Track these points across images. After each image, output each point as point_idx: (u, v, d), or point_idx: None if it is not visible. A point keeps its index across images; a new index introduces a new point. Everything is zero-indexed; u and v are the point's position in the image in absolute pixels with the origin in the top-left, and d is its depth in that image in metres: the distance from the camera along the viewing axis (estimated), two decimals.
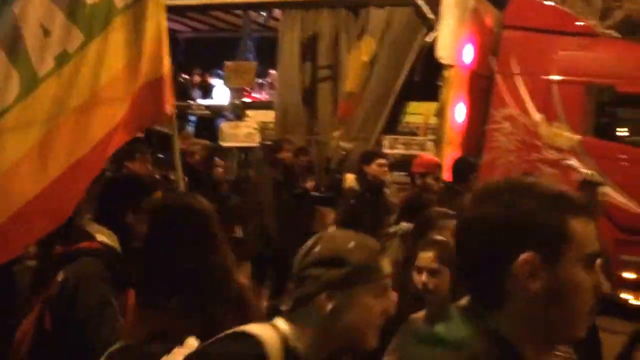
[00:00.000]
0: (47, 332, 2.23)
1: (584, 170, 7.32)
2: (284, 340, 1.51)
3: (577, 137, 7.47)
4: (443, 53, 7.49)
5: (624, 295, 6.72)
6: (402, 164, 7.09)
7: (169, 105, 3.06)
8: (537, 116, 7.66)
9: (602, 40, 8.04)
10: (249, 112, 9.24)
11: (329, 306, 1.52)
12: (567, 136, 7.49)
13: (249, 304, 2.00)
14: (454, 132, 7.72)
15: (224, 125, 9.06)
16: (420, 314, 2.62)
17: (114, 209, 2.41)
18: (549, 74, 7.73)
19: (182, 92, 10.19)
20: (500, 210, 1.13)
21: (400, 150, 7.96)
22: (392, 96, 8.08)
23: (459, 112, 7.68)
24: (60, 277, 2.27)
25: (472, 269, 1.19)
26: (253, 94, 10.47)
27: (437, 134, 7.78)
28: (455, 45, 7.54)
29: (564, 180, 7.20)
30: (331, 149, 8.36)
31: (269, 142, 7.89)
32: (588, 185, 5.52)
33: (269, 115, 9.13)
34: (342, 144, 8.22)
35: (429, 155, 6.89)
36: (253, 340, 1.48)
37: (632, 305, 6.63)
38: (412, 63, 7.93)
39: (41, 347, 2.24)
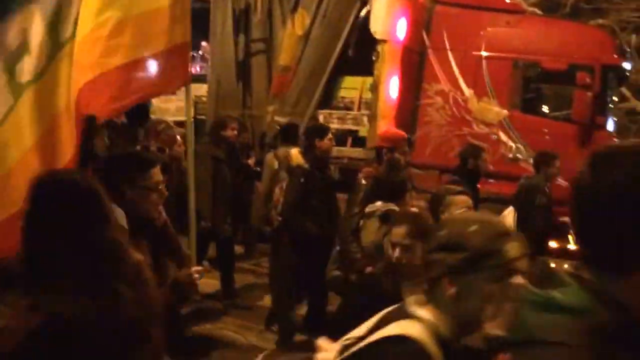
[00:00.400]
0: None
1: (510, 144, 7.62)
2: (434, 332, 1.51)
3: (505, 111, 7.71)
4: (376, 28, 7.53)
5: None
6: (338, 139, 7.15)
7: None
8: (467, 91, 7.86)
9: (528, 17, 8.26)
10: None
11: (452, 291, 1.51)
12: (496, 111, 7.72)
13: (146, 281, 1.96)
14: (388, 106, 7.80)
15: (155, 100, 8.83)
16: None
17: (113, 186, 2.35)
18: (478, 50, 7.91)
19: None
20: (628, 177, 1.09)
21: (335, 125, 7.98)
22: (327, 71, 8.08)
23: (393, 87, 7.76)
24: None
25: (595, 237, 1.14)
26: None
27: (372, 108, 7.84)
28: (388, 20, 7.58)
29: (493, 154, 7.48)
30: (266, 123, 8.32)
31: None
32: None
33: (202, 89, 8.97)
34: (277, 118, 8.19)
35: (393, 129, 6.91)
36: (413, 344, 1.47)
37: None
38: (346, 37, 7.94)
39: None
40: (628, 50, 9.24)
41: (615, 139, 8.15)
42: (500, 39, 7.96)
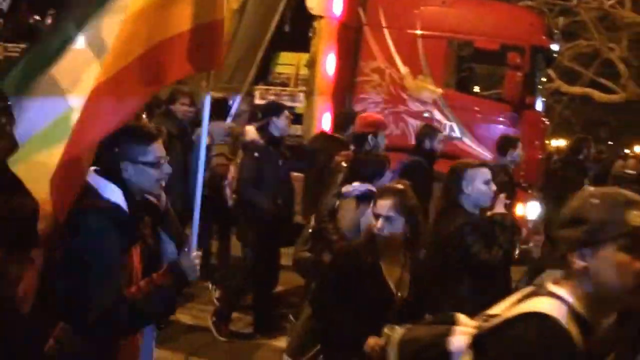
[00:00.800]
0: (50, 291, 2.16)
1: (444, 122, 7.75)
2: (570, 309, 1.51)
3: (439, 90, 7.83)
4: (313, 4, 7.46)
5: None
6: None
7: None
8: (403, 69, 7.92)
9: None
10: None
11: (581, 265, 1.51)
12: (431, 89, 7.82)
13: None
14: (325, 83, 7.77)
15: None
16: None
17: (112, 162, 2.26)
18: (413, 28, 7.97)
19: (33, 35, 9.35)
20: None
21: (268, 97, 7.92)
22: (262, 46, 7.94)
23: (330, 64, 7.72)
24: (66, 235, 2.17)
25: None
26: None
27: (308, 85, 7.80)
28: None
29: None
30: (200, 99, 8.12)
31: None
32: None
33: None
34: (212, 93, 7.99)
35: (371, 113, 6.85)
36: (549, 321, 1.48)
37: None
38: (282, 13, 7.82)
39: (43, 304, 2.16)
40: (556, 32, 9.54)
41: (544, 119, 8.46)
42: (435, 18, 8.04)
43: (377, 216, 2.77)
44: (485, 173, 3.41)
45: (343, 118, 6.01)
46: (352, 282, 2.03)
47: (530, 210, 7.47)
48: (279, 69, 8.34)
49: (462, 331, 1.68)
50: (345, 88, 8.10)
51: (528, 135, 7.24)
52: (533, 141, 7.60)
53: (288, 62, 8.29)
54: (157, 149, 2.32)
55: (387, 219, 2.73)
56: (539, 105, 8.20)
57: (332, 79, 7.86)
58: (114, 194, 2.20)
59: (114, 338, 2.18)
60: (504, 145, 5.79)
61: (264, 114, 5.42)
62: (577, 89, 18.68)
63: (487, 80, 8.46)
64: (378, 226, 2.74)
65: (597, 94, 18.60)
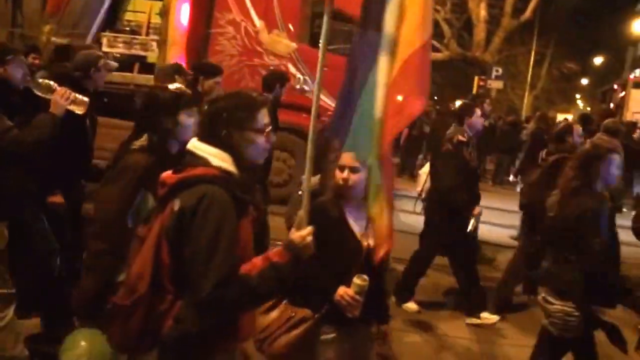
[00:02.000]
0: (164, 264, 2.05)
1: (298, 76, 7.97)
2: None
3: (294, 44, 7.99)
4: None
5: None
6: (123, 64, 6.81)
7: None
8: (258, 22, 7.96)
9: None
10: None
11: None
12: (285, 43, 7.97)
13: None
14: (178, 33, 7.56)
15: None
16: None
17: (217, 129, 2.13)
18: None
19: None
20: None
21: (120, 50, 7.58)
22: None
23: (184, 14, 7.52)
24: (175, 206, 2.05)
25: None
26: None
27: (161, 34, 7.55)
28: None
29: None
30: (41, 44, 7.54)
31: None
32: None
33: None
34: (54, 39, 7.47)
35: None
36: None
37: None
38: None
39: (160, 279, 2.05)
40: None
41: None
42: None
43: (342, 168, 2.78)
44: (619, 157, 3.47)
45: (271, 78, 5.90)
46: (320, 235, 2.11)
47: None
48: (129, 16, 7.98)
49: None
50: (200, 39, 7.97)
51: None
52: None
53: (139, 10, 7.95)
54: (264, 116, 2.21)
55: (353, 169, 2.75)
56: None
57: (186, 29, 7.67)
58: (224, 162, 2.11)
59: (231, 315, 2.09)
60: (462, 113, 5.98)
61: (194, 72, 5.23)
62: None
63: (341, 36, 8.74)
64: (344, 176, 2.76)
65: None
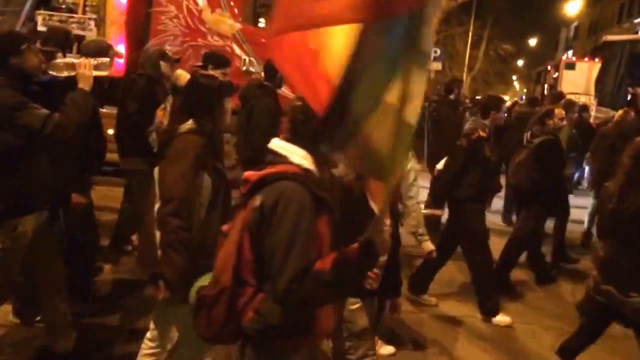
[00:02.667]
0: (245, 258, 2.10)
1: (244, 57, 7.87)
2: None
3: (238, 24, 7.87)
4: None
5: None
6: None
7: None
8: (201, 2, 7.78)
9: None
10: None
11: None
12: (229, 23, 7.83)
13: None
14: (117, 12, 7.37)
15: None
16: None
17: (309, 130, 2.13)
18: None
19: None
20: None
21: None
22: None
23: None
24: (256, 202, 2.09)
25: None
26: None
27: (98, 12, 7.31)
28: None
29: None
30: None
31: None
32: None
33: None
34: None
35: None
36: None
37: None
38: None
39: (242, 272, 2.11)
40: None
41: None
42: None
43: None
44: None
45: (272, 66, 5.70)
46: (346, 213, 2.20)
47: None
48: None
49: None
50: (140, 18, 7.72)
51: None
52: None
53: None
54: None
55: None
56: None
57: (125, 8, 7.46)
58: (305, 160, 2.12)
59: (307, 309, 2.12)
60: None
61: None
62: None
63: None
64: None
65: None
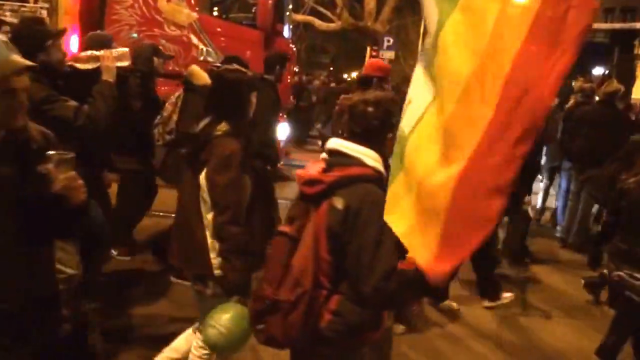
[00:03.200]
0: (322, 260, 2.12)
1: (201, 47, 7.83)
2: None
3: (195, 14, 7.82)
4: None
5: None
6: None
7: None
8: None
9: None
10: None
11: None
12: (186, 13, 7.77)
13: None
14: (70, 1, 7.21)
15: None
16: None
17: (385, 132, 2.21)
18: None
19: None
20: None
21: (8, 19, 7.07)
22: None
23: None
24: (338, 204, 2.10)
25: None
26: None
27: (51, 2, 7.14)
28: None
29: (185, 56, 7.61)
30: None
31: None
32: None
33: None
34: None
35: (379, 60, 6.29)
36: None
37: None
38: None
39: (317, 275, 2.12)
40: None
41: (292, 45, 9.04)
42: None
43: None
44: None
45: (272, 60, 5.86)
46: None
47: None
48: None
49: None
50: (94, 8, 7.60)
51: None
52: None
53: None
54: None
55: None
56: (286, 32, 8.72)
57: None
58: (377, 162, 2.16)
59: (390, 307, 2.21)
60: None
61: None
62: (300, 17, 19.81)
63: (242, 6, 8.63)
64: None
65: (317, 22, 20.02)
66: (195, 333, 3.14)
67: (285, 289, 2.14)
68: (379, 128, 2.18)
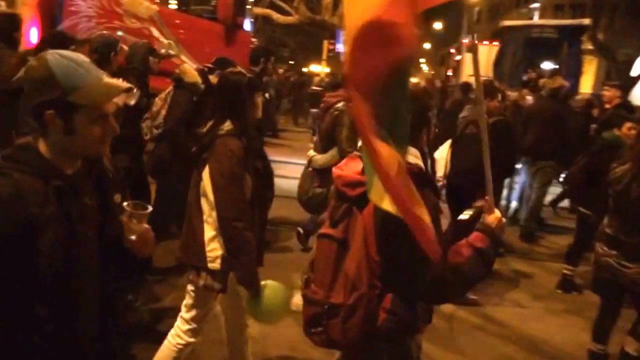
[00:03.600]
0: (373, 261, 2.09)
1: (163, 40, 7.85)
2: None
3: (155, 7, 7.85)
4: None
5: None
6: None
7: None
8: None
9: None
10: None
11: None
12: (146, 5, 7.79)
13: None
14: None
15: None
16: None
17: (422, 128, 2.24)
18: None
19: None
20: None
21: None
22: None
23: None
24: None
25: None
26: None
27: None
28: None
29: None
30: None
31: None
32: None
33: None
34: None
35: None
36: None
37: None
38: None
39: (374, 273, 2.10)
40: None
41: (253, 38, 9.13)
42: None
43: None
44: None
45: (257, 53, 5.96)
46: None
47: None
48: None
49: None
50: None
51: (239, 53, 7.75)
52: (243, 58, 8.20)
53: None
54: None
55: None
56: (247, 26, 8.81)
57: None
58: (418, 159, 2.18)
59: (445, 302, 2.11)
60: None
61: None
62: (259, 10, 19.78)
63: None
64: None
65: (275, 15, 20.00)
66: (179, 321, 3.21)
67: (339, 292, 2.14)
68: (415, 123, 2.08)
